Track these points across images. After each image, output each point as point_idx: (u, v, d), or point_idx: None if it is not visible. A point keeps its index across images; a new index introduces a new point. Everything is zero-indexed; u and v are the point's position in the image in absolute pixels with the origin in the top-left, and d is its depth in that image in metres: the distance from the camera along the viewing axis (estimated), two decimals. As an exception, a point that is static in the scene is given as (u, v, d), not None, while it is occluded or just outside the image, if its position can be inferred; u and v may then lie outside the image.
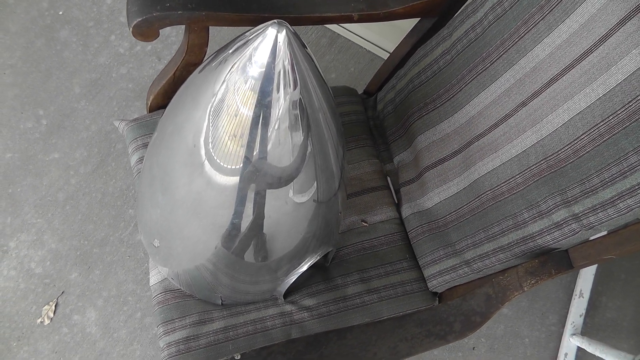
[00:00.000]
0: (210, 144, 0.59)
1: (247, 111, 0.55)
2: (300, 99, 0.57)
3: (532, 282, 0.71)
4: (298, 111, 0.57)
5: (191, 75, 0.66)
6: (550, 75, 0.70)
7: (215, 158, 0.59)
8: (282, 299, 0.85)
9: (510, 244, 0.76)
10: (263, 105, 0.55)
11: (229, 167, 0.59)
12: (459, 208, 0.85)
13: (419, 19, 0.93)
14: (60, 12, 1.35)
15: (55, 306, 1.18)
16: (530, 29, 0.72)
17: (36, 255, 1.20)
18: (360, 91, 1.08)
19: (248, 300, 0.85)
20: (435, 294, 0.92)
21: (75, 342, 1.16)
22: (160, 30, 0.78)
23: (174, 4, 0.76)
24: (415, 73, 0.92)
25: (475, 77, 0.81)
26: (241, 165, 0.59)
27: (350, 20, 0.86)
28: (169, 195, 0.69)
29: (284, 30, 0.51)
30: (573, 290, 1.21)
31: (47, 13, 1.35)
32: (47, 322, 1.17)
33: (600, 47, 0.64)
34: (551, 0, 0.69)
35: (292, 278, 0.82)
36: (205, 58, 0.79)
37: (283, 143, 0.58)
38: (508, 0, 0.75)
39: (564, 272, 0.71)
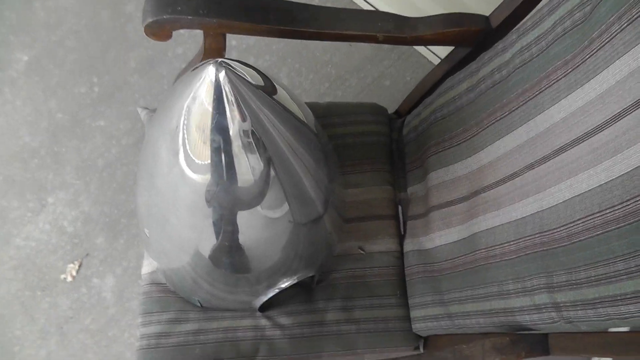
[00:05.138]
0: (185, 138, 0.60)
1: (205, 132, 0.57)
2: (252, 130, 0.57)
3: (497, 360, 0.66)
4: (252, 140, 0.58)
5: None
6: (561, 143, 0.63)
7: (188, 149, 0.60)
8: (258, 312, 0.85)
9: (491, 312, 0.71)
10: (219, 129, 0.56)
11: (199, 162, 0.60)
12: (456, 258, 0.80)
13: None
14: (129, -14, 1.40)
15: (79, 266, 1.26)
16: (552, 84, 0.65)
17: (70, 215, 1.28)
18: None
19: (225, 307, 0.86)
20: (419, 336, 0.87)
21: (90, 304, 1.24)
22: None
23: (185, 8, 0.75)
24: (439, 105, 0.86)
25: (494, 123, 0.75)
26: (209, 169, 0.60)
27: (374, 40, 0.82)
28: (154, 181, 0.70)
29: (223, 71, 0.50)
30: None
31: (116, -15, 1.41)
32: (69, 279, 1.25)
33: (611, 127, 0.56)
34: (576, 57, 0.61)
35: (269, 295, 0.81)
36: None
37: (239, 166, 0.59)
38: (536, 47, 0.68)
39: (535, 356, 0.65)
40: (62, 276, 1.25)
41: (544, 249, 0.64)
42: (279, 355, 0.82)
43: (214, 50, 0.84)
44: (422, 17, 0.80)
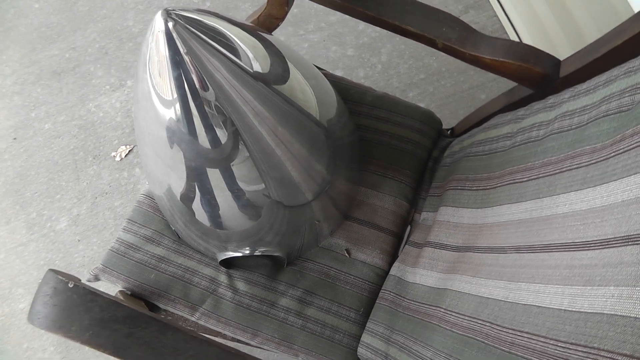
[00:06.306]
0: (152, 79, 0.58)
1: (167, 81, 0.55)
2: (216, 104, 0.55)
3: None
4: (215, 112, 0.56)
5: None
6: (551, 240, 0.53)
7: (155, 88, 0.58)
8: (220, 265, 0.84)
9: (414, 376, 0.64)
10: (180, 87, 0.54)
11: (166, 98, 0.58)
12: (421, 304, 0.72)
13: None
14: None
15: (129, 152, 1.33)
16: (572, 169, 0.54)
17: (140, 105, 1.35)
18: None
19: (196, 248, 0.86)
20: (360, 361, 0.82)
21: (125, 189, 1.32)
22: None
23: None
24: (479, 139, 0.76)
25: (512, 183, 0.65)
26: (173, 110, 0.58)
27: (432, 45, 0.73)
28: (139, 97, 0.70)
29: (172, 24, 0.47)
30: None
31: None
32: (118, 159, 1.34)
33: (596, 251, 0.46)
34: (604, 149, 0.50)
35: (230, 255, 0.80)
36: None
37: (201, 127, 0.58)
38: (578, 118, 0.57)
39: None
40: (113, 154, 1.34)
41: (486, 342, 0.56)
42: (219, 316, 0.82)
43: (277, 3, 0.81)
44: (488, 36, 0.69)
